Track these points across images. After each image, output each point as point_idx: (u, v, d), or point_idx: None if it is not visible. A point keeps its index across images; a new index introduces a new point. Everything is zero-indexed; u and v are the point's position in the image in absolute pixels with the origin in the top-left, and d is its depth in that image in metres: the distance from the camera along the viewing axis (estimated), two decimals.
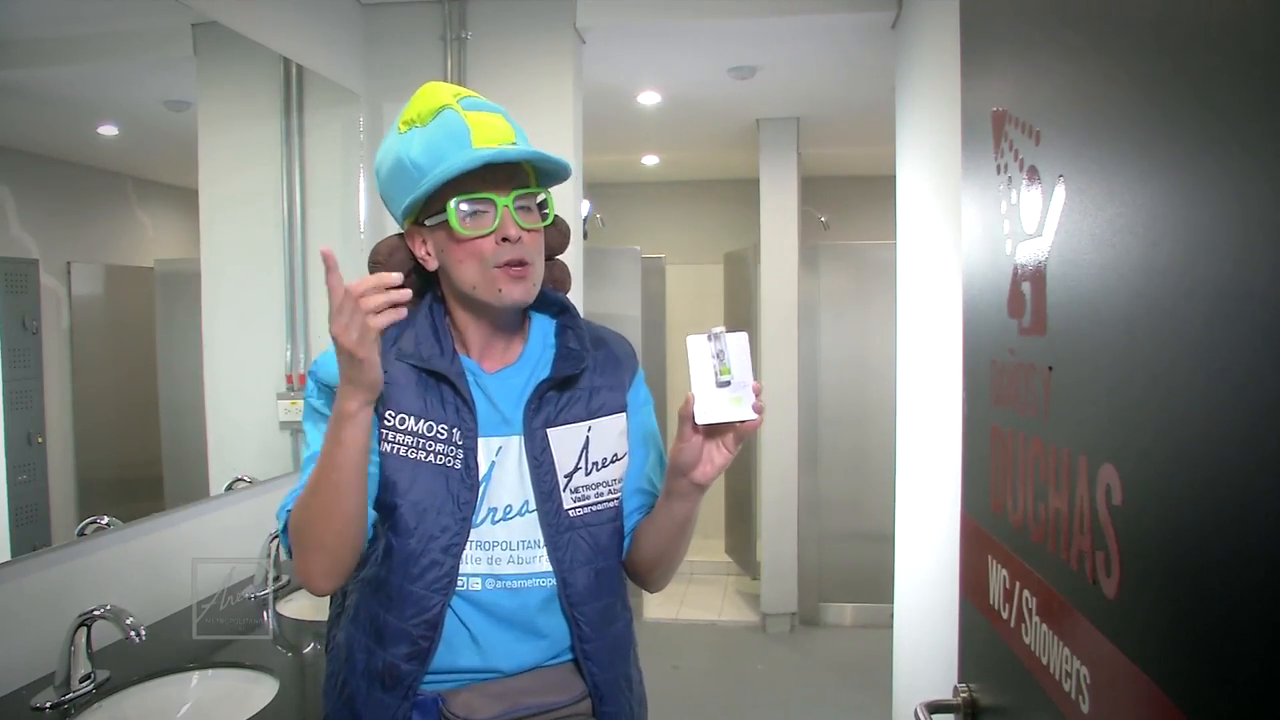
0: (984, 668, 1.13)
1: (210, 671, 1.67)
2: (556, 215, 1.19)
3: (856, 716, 3.57)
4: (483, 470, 1.13)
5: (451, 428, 1.12)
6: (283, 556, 2.06)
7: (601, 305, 4.51)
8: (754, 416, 1.04)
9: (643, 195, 6.10)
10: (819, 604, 4.68)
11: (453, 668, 1.12)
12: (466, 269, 1.11)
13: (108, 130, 1.98)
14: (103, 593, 1.68)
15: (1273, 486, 0.53)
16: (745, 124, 4.55)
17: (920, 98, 2.48)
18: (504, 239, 1.09)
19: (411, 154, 1.10)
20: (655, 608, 4.89)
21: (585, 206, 3.55)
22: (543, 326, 1.23)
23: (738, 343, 1.05)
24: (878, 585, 3.89)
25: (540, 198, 1.15)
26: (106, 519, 1.78)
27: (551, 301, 1.23)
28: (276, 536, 1.83)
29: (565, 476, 1.15)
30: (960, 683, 1.18)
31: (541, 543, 1.13)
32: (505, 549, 1.13)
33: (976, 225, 1.15)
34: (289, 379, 2.47)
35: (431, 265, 1.15)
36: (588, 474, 1.17)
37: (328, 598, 1.21)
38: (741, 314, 5.16)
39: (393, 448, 1.12)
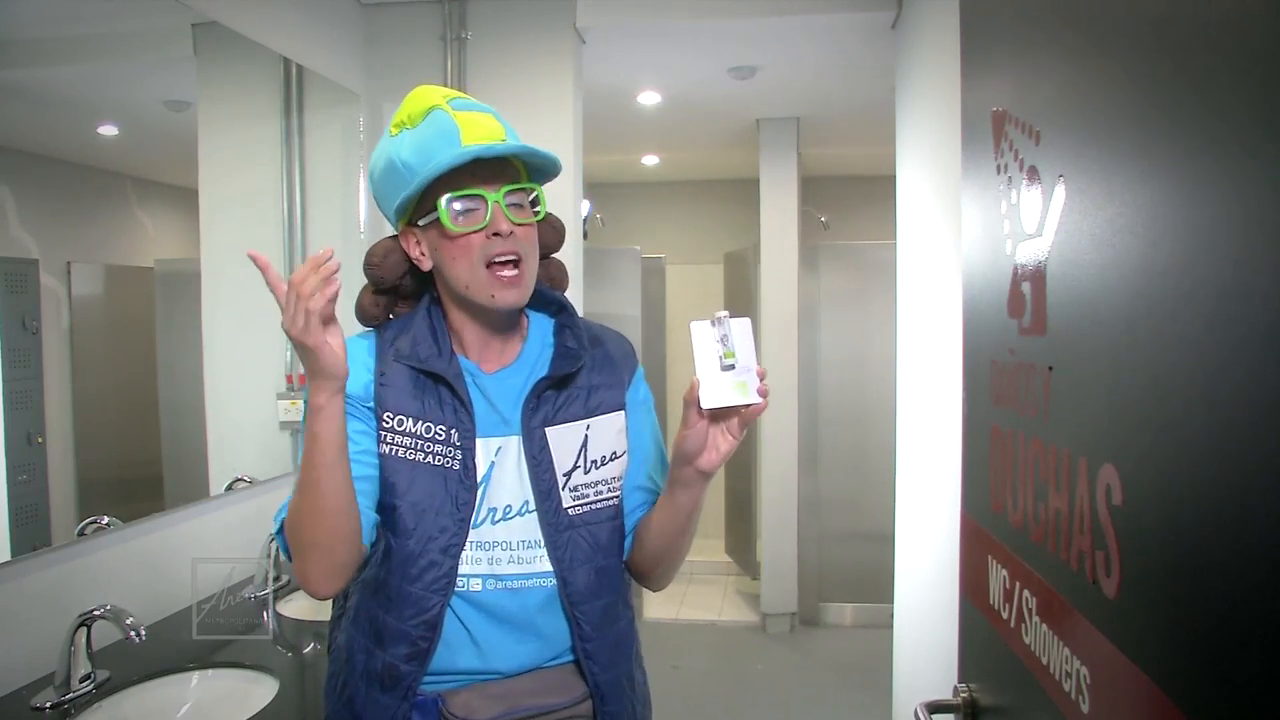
0: (984, 668, 1.13)
1: (210, 671, 1.67)
2: (551, 213, 1.20)
3: (856, 716, 3.57)
4: (482, 471, 1.13)
5: (449, 429, 1.13)
6: (282, 558, 2.06)
7: (601, 305, 4.51)
8: (759, 400, 1.04)
9: (643, 195, 6.10)
10: (819, 604, 4.68)
11: (452, 669, 1.12)
12: (459, 267, 1.11)
13: (108, 130, 1.98)
14: (103, 593, 1.68)
15: (1273, 486, 0.53)
16: (745, 124, 4.55)
17: (920, 98, 2.48)
18: (495, 234, 1.09)
19: (402, 155, 1.11)
20: (655, 608, 4.89)
21: (585, 206, 3.55)
22: (541, 326, 1.23)
23: (741, 327, 1.05)
24: (878, 585, 3.89)
25: (532, 194, 1.15)
26: (106, 519, 1.78)
27: (550, 301, 1.24)
28: (274, 538, 1.83)
29: (564, 475, 1.15)
30: (960, 683, 1.18)
31: (541, 542, 1.13)
32: (505, 549, 1.13)
33: (976, 225, 1.15)
34: (289, 379, 2.47)
35: (426, 265, 1.15)
36: (586, 472, 1.17)
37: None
38: (741, 314, 5.15)
39: (391, 449, 1.12)
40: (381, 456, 1.12)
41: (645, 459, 1.23)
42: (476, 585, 1.12)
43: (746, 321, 1.05)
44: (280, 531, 1.10)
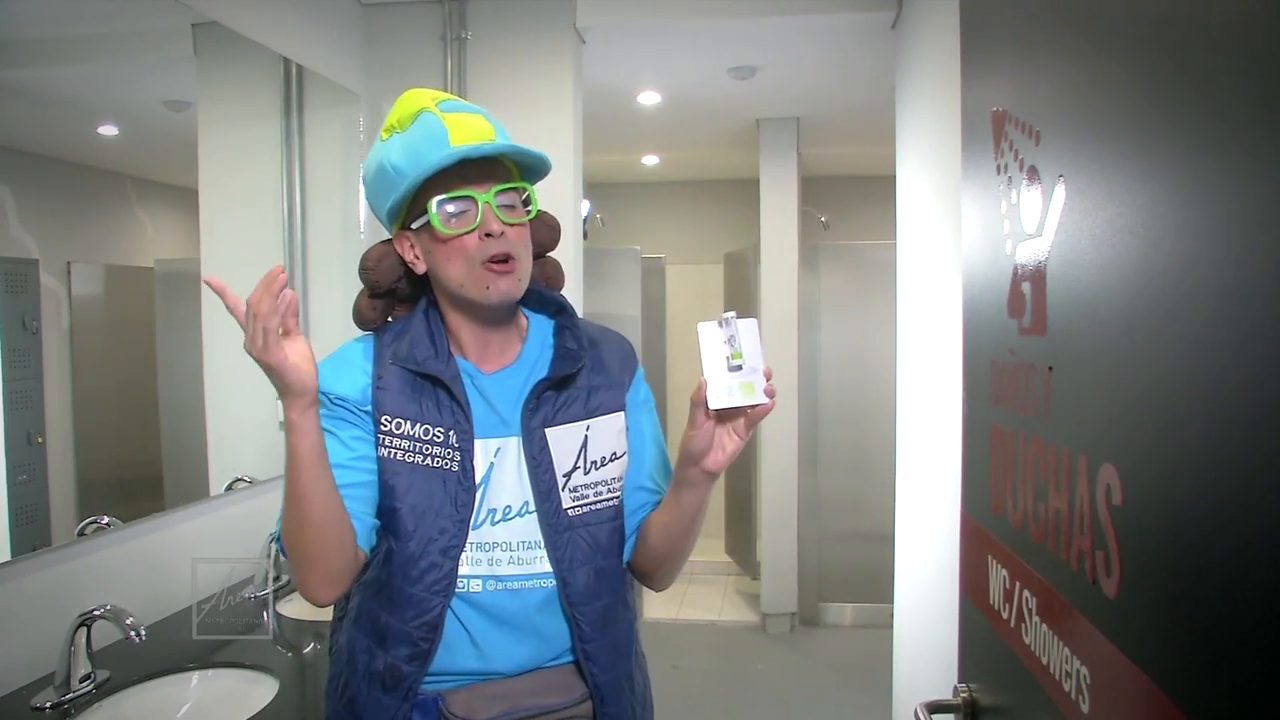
0: (984, 668, 1.13)
1: (210, 671, 1.67)
2: (545, 211, 1.20)
3: (856, 716, 3.57)
4: (481, 472, 1.14)
5: (447, 430, 1.13)
6: (282, 559, 2.06)
7: (601, 305, 4.51)
8: (766, 401, 1.04)
9: (643, 195, 6.10)
10: (819, 604, 4.68)
11: (452, 669, 1.12)
12: (453, 268, 1.11)
13: (108, 130, 1.98)
14: (103, 593, 1.68)
15: (1273, 486, 0.53)
16: (745, 124, 4.55)
17: (920, 98, 2.48)
18: (486, 234, 1.10)
19: (392, 159, 1.11)
20: (655, 608, 4.89)
21: (585, 206, 3.55)
22: (540, 327, 1.23)
23: (748, 328, 1.05)
24: (878, 585, 3.89)
25: (524, 194, 1.15)
26: (106, 519, 1.78)
27: (549, 301, 1.24)
28: (275, 539, 1.83)
29: (564, 476, 1.15)
30: (960, 683, 1.18)
31: (541, 543, 1.13)
32: (505, 550, 1.13)
33: (976, 225, 1.15)
34: None
35: (420, 268, 1.16)
36: (586, 473, 1.17)
37: None
38: (742, 314, 5.15)
39: (390, 452, 1.12)
40: (380, 460, 1.12)
41: (646, 459, 1.23)
42: (476, 586, 1.12)
43: (753, 322, 1.06)
44: (278, 537, 1.11)
